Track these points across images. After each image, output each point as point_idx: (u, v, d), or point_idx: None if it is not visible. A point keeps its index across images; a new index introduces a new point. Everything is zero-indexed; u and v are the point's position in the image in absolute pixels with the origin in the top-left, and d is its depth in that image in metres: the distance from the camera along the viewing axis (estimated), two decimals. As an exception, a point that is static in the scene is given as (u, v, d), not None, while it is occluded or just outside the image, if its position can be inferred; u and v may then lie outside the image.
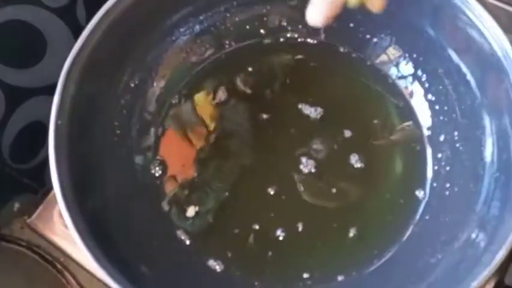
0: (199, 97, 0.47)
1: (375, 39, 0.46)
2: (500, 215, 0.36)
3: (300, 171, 0.44)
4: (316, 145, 0.45)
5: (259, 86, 0.47)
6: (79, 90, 0.38)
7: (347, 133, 0.45)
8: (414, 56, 0.45)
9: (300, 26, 0.48)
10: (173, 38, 0.46)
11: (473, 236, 0.37)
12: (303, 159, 0.44)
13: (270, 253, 0.42)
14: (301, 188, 0.44)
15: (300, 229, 0.43)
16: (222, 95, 0.47)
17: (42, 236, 0.47)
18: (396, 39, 0.46)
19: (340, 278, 0.41)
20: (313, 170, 0.44)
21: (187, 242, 0.43)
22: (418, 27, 0.43)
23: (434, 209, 0.42)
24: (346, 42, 0.47)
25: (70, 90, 0.38)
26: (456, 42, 0.41)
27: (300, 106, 0.46)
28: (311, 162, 0.44)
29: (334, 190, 0.44)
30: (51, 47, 0.45)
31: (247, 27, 0.48)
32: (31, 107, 0.46)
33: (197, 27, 0.47)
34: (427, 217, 0.42)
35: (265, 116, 0.46)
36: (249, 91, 0.47)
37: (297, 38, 0.48)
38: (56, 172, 0.36)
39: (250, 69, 0.48)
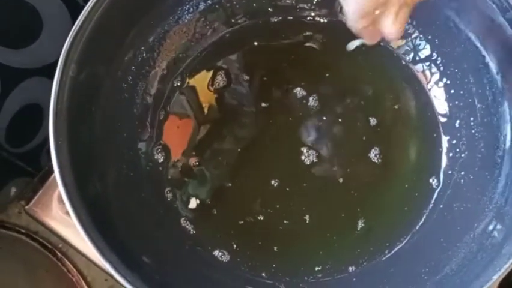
0: (199, 82, 0.45)
1: (388, 19, 0.44)
2: (520, 206, 0.35)
3: (302, 162, 0.43)
4: (319, 134, 0.44)
5: (260, 71, 0.45)
6: (79, 73, 0.37)
7: (372, 121, 0.44)
8: (430, 37, 0.44)
9: (309, 4, 0.46)
10: (177, 16, 0.44)
11: (490, 227, 0.36)
12: (304, 150, 0.43)
13: (276, 245, 0.41)
14: (305, 179, 0.43)
15: (307, 221, 0.42)
16: (220, 80, 0.45)
17: (41, 223, 0.46)
18: (412, 19, 0.44)
19: (351, 268, 0.41)
20: (315, 160, 0.43)
21: (192, 232, 0.42)
22: (435, 8, 0.41)
23: (448, 197, 0.41)
24: (358, 22, 0.45)
25: (69, 72, 0.36)
26: (476, 24, 0.39)
27: (302, 92, 0.45)
28: (313, 153, 0.43)
29: (341, 180, 0.43)
30: (47, 25, 0.44)
31: (254, 4, 0.46)
32: (27, 88, 0.44)
33: (201, 5, 0.45)
34: (441, 206, 0.41)
35: (264, 104, 0.45)
36: (246, 77, 0.45)
37: (306, 17, 0.46)
38: (56, 157, 0.35)
39: (256, 50, 0.46)
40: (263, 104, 0.44)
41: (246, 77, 0.45)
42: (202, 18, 0.45)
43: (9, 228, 0.46)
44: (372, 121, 0.44)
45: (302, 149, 0.43)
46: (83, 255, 0.45)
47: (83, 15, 0.36)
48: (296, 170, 0.43)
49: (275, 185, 0.42)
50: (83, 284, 0.45)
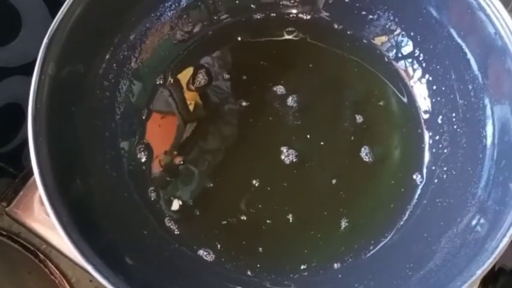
0: (181, 80, 0.45)
1: (371, 16, 0.44)
2: (502, 201, 0.35)
3: (281, 162, 0.43)
4: (299, 133, 0.43)
5: (241, 69, 0.45)
6: (58, 71, 0.36)
7: (358, 118, 0.44)
8: (412, 34, 0.44)
9: (292, 1, 0.46)
10: (158, 13, 0.44)
11: (474, 222, 0.36)
12: (284, 149, 0.43)
13: (261, 244, 0.41)
14: (285, 179, 0.43)
15: (290, 220, 0.42)
16: (202, 78, 0.45)
17: (22, 224, 0.45)
18: (394, 16, 0.44)
19: (336, 265, 0.41)
20: (295, 160, 0.43)
21: (176, 232, 0.42)
22: (417, 4, 0.41)
23: (431, 193, 0.41)
24: (341, 19, 0.45)
25: (48, 70, 0.35)
26: (458, 20, 0.39)
27: (282, 90, 0.44)
28: (292, 152, 0.43)
29: (321, 179, 0.43)
30: (26, 23, 0.43)
31: (237, 1, 0.45)
32: (7, 87, 0.44)
33: (183, 2, 0.44)
34: (425, 201, 0.41)
35: (244, 103, 0.44)
36: (227, 75, 0.45)
37: (289, 14, 0.46)
38: (35, 158, 0.34)
39: (238, 47, 0.46)
40: (244, 103, 0.44)
41: (227, 75, 0.45)
42: (184, 15, 0.45)
43: (-10, 230, 0.45)
44: (359, 118, 0.44)
45: (282, 148, 0.43)
46: (66, 256, 0.44)
47: (61, 13, 0.36)
48: (276, 170, 0.43)
49: (256, 184, 0.42)
50: (66, 285, 0.44)
